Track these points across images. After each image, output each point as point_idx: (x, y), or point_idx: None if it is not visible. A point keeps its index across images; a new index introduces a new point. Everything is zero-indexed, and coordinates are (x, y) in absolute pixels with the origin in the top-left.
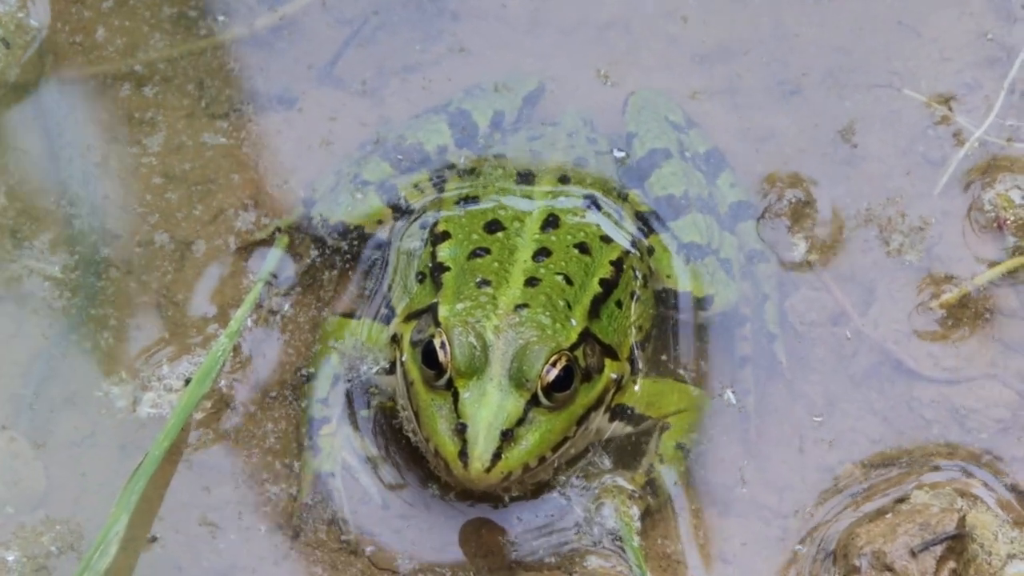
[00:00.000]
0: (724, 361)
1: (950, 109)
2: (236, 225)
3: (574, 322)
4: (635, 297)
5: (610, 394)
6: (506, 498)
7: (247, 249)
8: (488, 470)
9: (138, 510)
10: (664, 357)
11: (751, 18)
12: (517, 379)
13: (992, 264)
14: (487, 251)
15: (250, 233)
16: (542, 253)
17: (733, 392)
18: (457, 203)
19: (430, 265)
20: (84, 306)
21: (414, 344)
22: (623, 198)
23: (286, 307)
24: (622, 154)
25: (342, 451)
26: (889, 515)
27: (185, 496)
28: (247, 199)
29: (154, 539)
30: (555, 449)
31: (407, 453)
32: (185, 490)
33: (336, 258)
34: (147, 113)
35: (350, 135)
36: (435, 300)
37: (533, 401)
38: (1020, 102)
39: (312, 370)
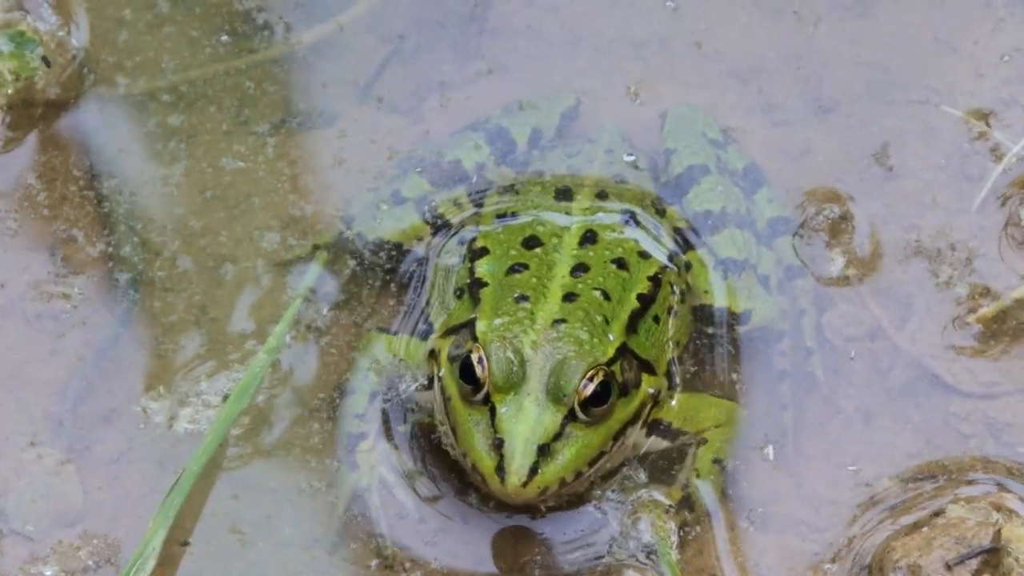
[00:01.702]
0: (761, 376)
1: (987, 125)
2: (275, 242)
3: (612, 337)
4: (672, 312)
5: (647, 409)
6: (543, 508)
7: (285, 266)
8: (525, 485)
9: (175, 527)
10: (701, 372)
11: (787, 35)
12: (554, 394)
13: None
14: (525, 267)
15: (288, 250)
16: (580, 268)
17: (773, 447)
18: (495, 219)
19: (468, 281)
20: (122, 323)
21: (452, 359)
22: (661, 214)
23: (324, 323)
24: (632, 158)
25: (379, 467)
26: (925, 529)
27: (222, 511)
28: (286, 216)
29: (185, 543)
30: (592, 464)
31: (444, 468)
32: (221, 506)
33: (374, 274)
34: (186, 131)
35: (388, 152)
36: (473, 315)
37: (570, 416)
38: None
39: (350, 385)
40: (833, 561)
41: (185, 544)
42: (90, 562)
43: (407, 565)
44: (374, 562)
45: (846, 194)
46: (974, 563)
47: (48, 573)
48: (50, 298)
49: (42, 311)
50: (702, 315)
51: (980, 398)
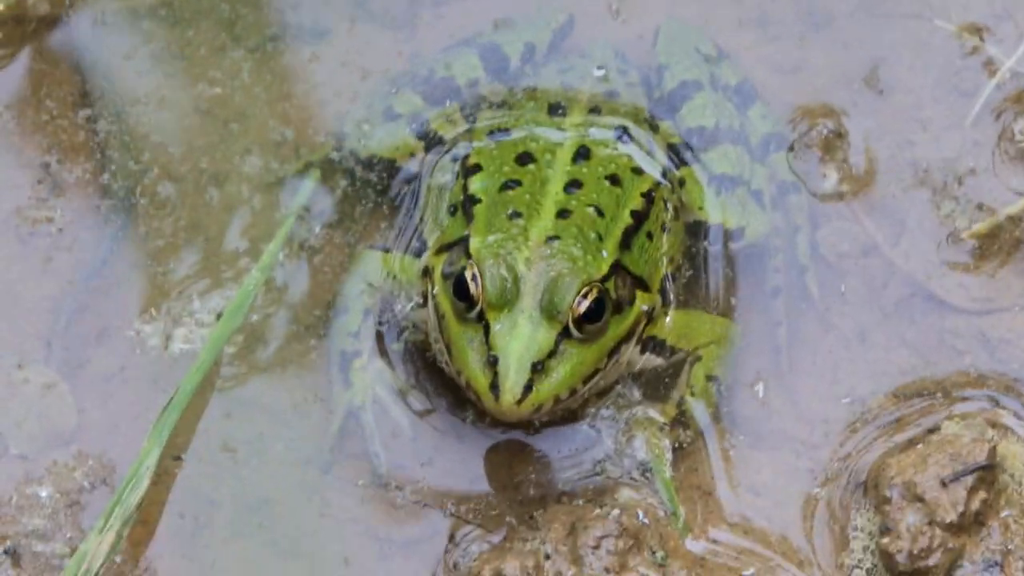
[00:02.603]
0: (755, 293)
1: (981, 39)
2: (268, 158)
3: (605, 254)
4: (666, 229)
5: (641, 326)
6: (536, 422)
7: (278, 184)
8: (519, 402)
9: (170, 445)
10: (695, 289)
11: None
12: (548, 311)
13: (1023, 194)
14: (518, 183)
15: (281, 167)
16: (573, 185)
17: (764, 385)
18: (488, 135)
19: (461, 197)
20: (113, 242)
21: (445, 277)
22: (654, 129)
23: (318, 241)
24: (602, 72)
25: (373, 385)
26: (920, 446)
27: (216, 430)
28: (279, 132)
29: (178, 458)
30: (586, 381)
31: (438, 385)
32: (216, 424)
33: (368, 191)
34: (178, 46)
35: (381, 68)
36: (466, 232)
37: (564, 333)
38: None
39: (343, 303)
40: (828, 478)
41: (178, 459)
42: (85, 483)
43: (401, 483)
44: (368, 480)
45: (839, 110)
46: (969, 480)
47: (43, 494)
48: (41, 217)
49: (32, 230)
50: (696, 231)
51: (974, 314)
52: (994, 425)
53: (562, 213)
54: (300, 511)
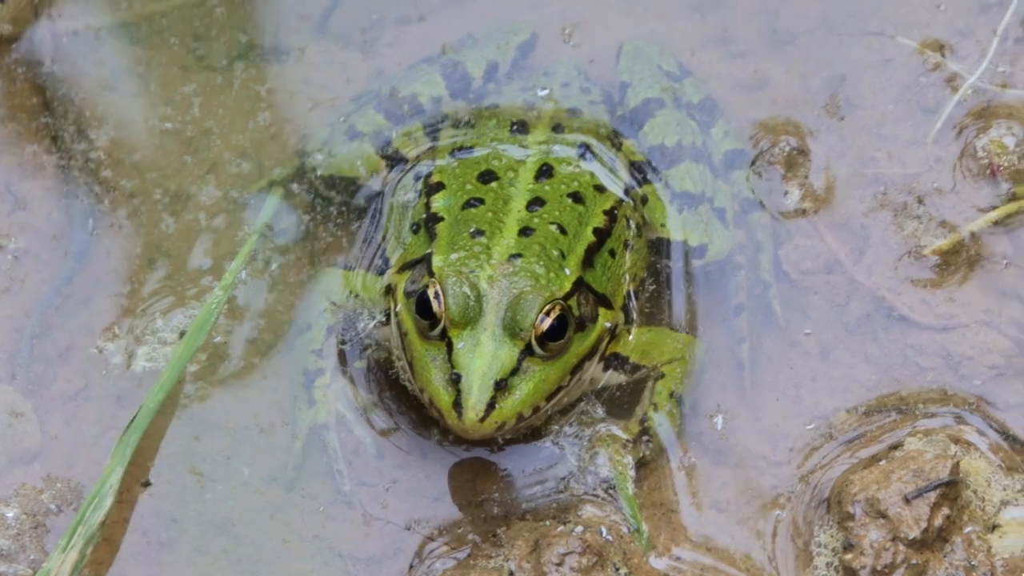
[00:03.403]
0: (718, 310)
1: (943, 56)
2: (232, 175)
3: (568, 271)
4: (628, 246)
5: (604, 343)
6: (500, 439)
7: (241, 201)
8: (482, 420)
9: (133, 463)
10: (658, 306)
11: None
12: (511, 329)
13: (985, 211)
14: (481, 201)
15: (244, 185)
16: (536, 203)
17: (723, 417)
18: (451, 153)
19: (424, 216)
20: (77, 260)
21: (408, 295)
22: (617, 147)
23: (281, 259)
24: (545, 92)
25: (337, 402)
26: (883, 462)
27: (179, 448)
28: (241, 151)
29: (147, 483)
30: (549, 398)
31: (402, 403)
32: (179, 442)
33: (331, 209)
34: (141, 65)
35: (344, 86)
36: (429, 250)
37: (527, 351)
38: (1014, 48)
39: (306, 321)
40: (791, 495)
41: (147, 485)
42: (52, 505)
43: (365, 501)
44: (332, 499)
45: (802, 127)
46: (932, 496)
47: (10, 515)
48: (7, 232)
49: None
50: (659, 249)
51: (937, 330)
52: (957, 441)
53: (524, 231)
54: (264, 530)
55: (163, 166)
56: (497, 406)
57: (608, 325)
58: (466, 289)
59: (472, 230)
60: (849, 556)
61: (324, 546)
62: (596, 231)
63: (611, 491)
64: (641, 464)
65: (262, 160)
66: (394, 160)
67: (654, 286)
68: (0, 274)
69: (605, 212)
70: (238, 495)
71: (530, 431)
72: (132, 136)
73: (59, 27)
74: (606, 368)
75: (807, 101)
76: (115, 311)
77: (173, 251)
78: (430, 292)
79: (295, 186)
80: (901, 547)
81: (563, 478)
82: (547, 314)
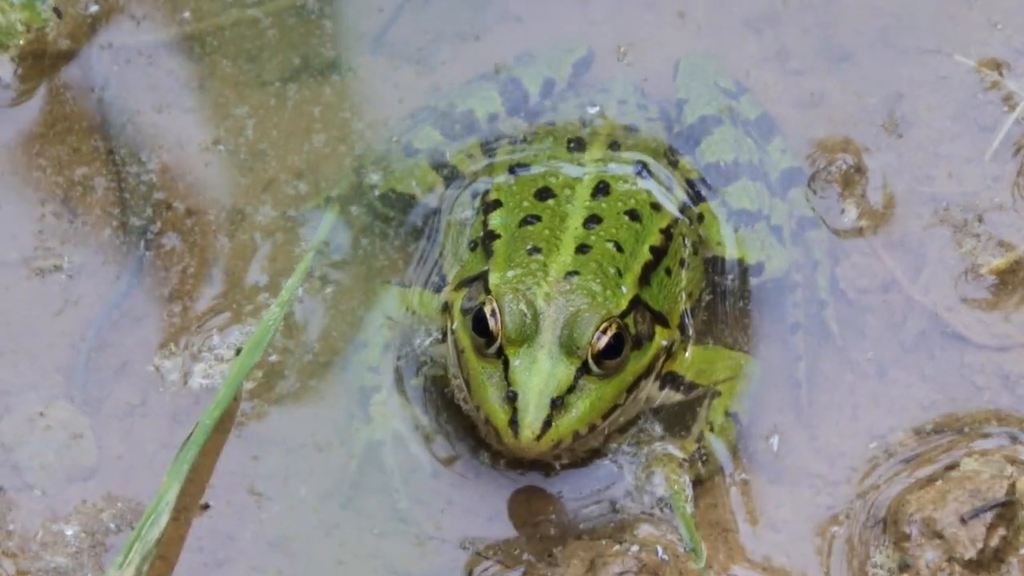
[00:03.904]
0: (775, 328)
1: (1000, 74)
2: (288, 193)
3: (624, 289)
4: (685, 264)
5: (660, 361)
6: (557, 466)
7: (298, 218)
8: (538, 438)
9: (190, 481)
10: (714, 324)
11: None
12: (568, 346)
13: None
14: (538, 218)
15: (301, 201)
16: (593, 220)
17: (780, 436)
18: (508, 171)
19: (481, 233)
20: (134, 276)
21: (465, 312)
22: (674, 164)
23: (337, 276)
24: (596, 108)
25: (393, 420)
26: (939, 482)
27: (236, 466)
28: (298, 168)
29: (206, 506)
30: (605, 417)
31: (458, 422)
32: (236, 460)
33: (387, 226)
34: (198, 81)
35: (399, 104)
36: (486, 268)
37: (583, 369)
38: None
39: (363, 338)
40: (847, 515)
41: (206, 507)
42: (111, 524)
43: (420, 519)
44: (387, 517)
45: (859, 144)
46: (988, 516)
47: (69, 532)
48: (62, 251)
49: (54, 264)
50: (715, 267)
51: (994, 350)
52: (1013, 462)
53: (581, 248)
54: (319, 548)
55: (218, 186)
56: (553, 424)
57: (664, 343)
58: (523, 307)
59: (529, 247)
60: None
61: (379, 564)
62: (652, 249)
63: (667, 510)
64: (697, 483)
65: (318, 178)
66: (451, 177)
67: (710, 304)
68: (55, 293)
69: (661, 230)
70: (295, 513)
71: (586, 453)
72: (186, 157)
73: (117, 43)
74: (662, 387)
75: (864, 119)
76: (171, 328)
77: (229, 268)
78: (487, 309)
79: (352, 203)
80: (957, 567)
81: (619, 497)
82: (604, 332)
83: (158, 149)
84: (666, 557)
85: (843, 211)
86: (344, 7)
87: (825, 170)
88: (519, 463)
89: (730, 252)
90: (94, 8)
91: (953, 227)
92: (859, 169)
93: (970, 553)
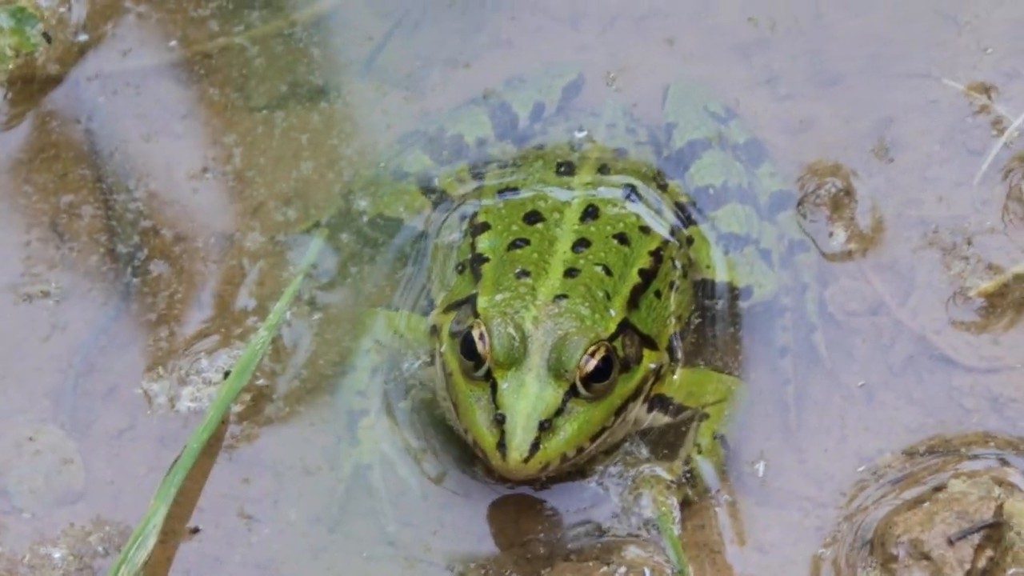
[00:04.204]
0: (763, 351)
1: (989, 98)
2: (276, 218)
3: (613, 312)
4: (674, 287)
5: (648, 384)
6: (544, 480)
7: (287, 243)
8: (526, 461)
9: (178, 504)
10: (703, 347)
11: (790, 8)
12: (556, 370)
13: None
14: (527, 242)
15: (290, 226)
16: (581, 244)
17: (767, 458)
18: (497, 194)
19: (469, 256)
20: (122, 299)
21: (453, 335)
22: (663, 188)
23: (326, 300)
24: (583, 133)
25: (381, 443)
26: (927, 504)
27: (224, 489)
28: (287, 192)
29: (196, 530)
30: (593, 439)
31: (446, 443)
32: (224, 483)
33: (375, 250)
34: (186, 107)
35: (389, 128)
36: (474, 291)
37: (571, 392)
38: None
39: (351, 362)
40: (835, 537)
41: (195, 531)
42: (100, 548)
43: (409, 541)
44: (376, 539)
45: (848, 168)
46: (976, 538)
47: (57, 555)
48: (49, 276)
49: (41, 289)
50: (704, 290)
51: (982, 372)
52: (1001, 483)
53: (570, 272)
54: (307, 570)
55: (205, 213)
56: (541, 447)
57: (653, 366)
58: (511, 330)
59: (517, 271)
60: None
61: None
62: (641, 272)
63: (655, 532)
64: (685, 505)
65: (307, 202)
66: (439, 201)
67: (699, 327)
68: (43, 319)
69: (650, 253)
70: (283, 537)
71: (574, 471)
72: (173, 185)
73: (105, 69)
74: (650, 409)
75: (853, 143)
76: (159, 352)
77: (217, 293)
78: (475, 333)
79: (340, 228)
80: None
81: (607, 519)
82: (592, 355)
83: (145, 177)
84: None
85: (832, 234)
86: (332, 34)
87: (814, 193)
88: (508, 484)
89: (719, 275)
90: (83, 37)
91: (942, 250)
92: (848, 192)
93: (958, 574)
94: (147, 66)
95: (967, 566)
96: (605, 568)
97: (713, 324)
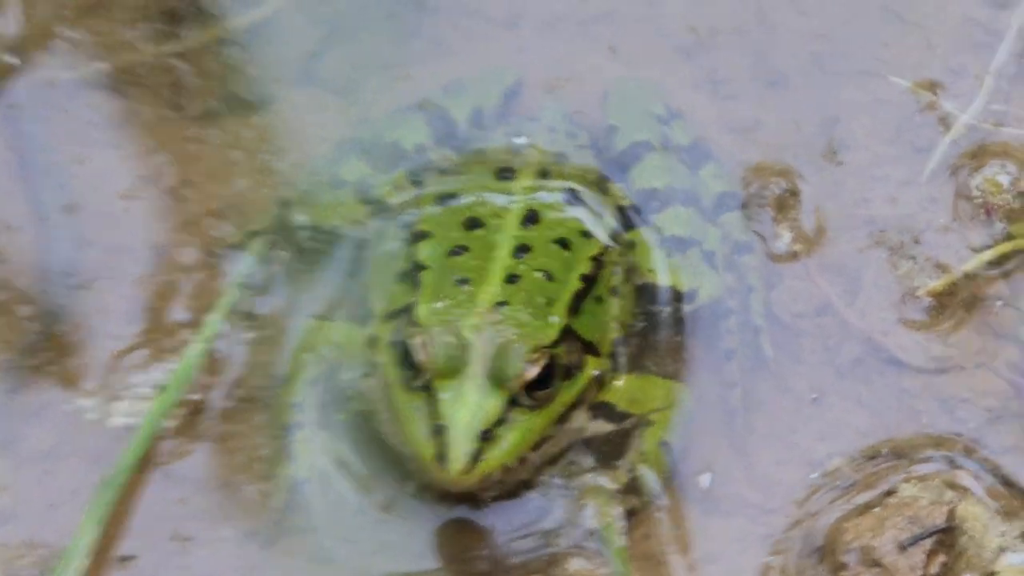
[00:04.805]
0: (709, 355)
1: (936, 95)
2: (210, 229)
3: (555, 319)
4: (616, 292)
5: (591, 391)
6: (487, 499)
7: (221, 253)
8: (467, 472)
9: (112, 524)
10: (647, 353)
11: (733, 8)
12: (497, 378)
13: (980, 251)
14: (466, 249)
15: (225, 237)
16: (522, 250)
17: (713, 466)
18: (436, 201)
19: (409, 265)
20: (52, 315)
21: (392, 345)
22: (604, 192)
23: (261, 311)
24: (522, 139)
25: (317, 457)
26: (877, 509)
27: (158, 508)
28: (222, 202)
29: (128, 557)
30: (535, 448)
31: (385, 456)
32: (158, 501)
33: (312, 260)
34: (120, 117)
35: (326, 138)
36: (413, 300)
37: (513, 400)
38: (1008, 87)
39: (287, 374)
40: (783, 544)
41: (128, 558)
42: (34, 571)
43: (347, 557)
44: (312, 555)
45: (793, 168)
46: (928, 543)
47: None
48: None
49: None
50: (647, 294)
51: (932, 373)
52: (952, 486)
53: (511, 278)
54: None
55: (142, 219)
56: (482, 457)
57: (595, 373)
58: (450, 338)
59: (457, 278)
60: None
61: None
62: (583, 277)
63: (600, 543)
64: (630, 514)
65: (243, 215)
66: (378, 210)
67: (643, 333)
68: None
69: (592, 258)
70: (217, 556)
71: (516, 482)
72: (110, 188)
73: (35, 80)
74: (594, 417)
75: (799, 143)
76: (90, 367)
77: (151, 305)
78: (415, 342)
79: (276, 239)
80: None
81: (550, 530)
82: (533, 363)
83: (78, 185)
84: None
85: (777, 235)
86: (266, 44)
87: (759, 195)
88: (448, 497)
89: (663, 279)
90: (14, 60)
91: (889, 250)
92: (793, 193)
93: None
94: (80, 76)
95: (919, 572)
96: None
97: (657, 329)
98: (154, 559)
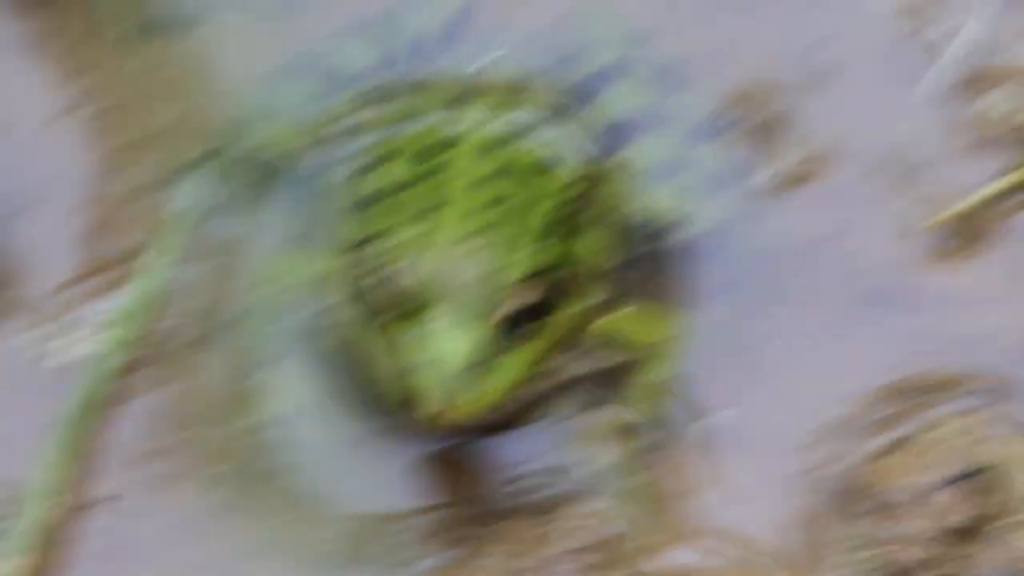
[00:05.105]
0: (704, 288)
1: (922, 22)
2: (156, 154)
3: (529, 250)
4: (598, 222)
5: (584, 324)
6: (478, 433)
7: (169, 180)
8: (452, 408)
9: (81, 463)
10: (639, 286)
11: None
12: (476, 310)
13: (992, 179)
14: (426, 177)
15: (167, 167)
16: (486, 178)
17: (727, 401)
18: (388, 128)
19: (364, 195)
20: None
21: (353, 280)
22: (574, 118)
23: (213, 243)
24: (482, 63)
25: (287, 394)
26: (903, 450)
27: (122, 447)
28: (160, 132)
29: (109, 498)
30: (527, 382)
31: (358, 395)
32: (119, 441)
33: (267, 188)
34: (55, 40)
35: (264, 62)
36: (375, 231)
37: (497, 333)
38: (1001, 11)
39: (249, 309)
40: (806, 484)
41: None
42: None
43: (324, 497)
44: (284, 497)
45: (779, 94)
46: (957, 485)
47: None
48: None
49: None
50: (631, 225)
51: (935, 309)
52: (975, 425)
53: (477, 209)
54: (219, 530)
55: (87, 144)
56: (467, 392)
57: (586, 304)
58: (422, 270)
59: (417, 209)
60: (875, 548)
61: (289, 544)
62: (556, 206)
63: (600, 484)
64: (639, 453)
65: (184, 140)
66: (323, 138)
67: (635, 264)
68: None
69: (563, 187)
70: (187, 494)
71: (508, 420)
72: (51, 113)
73: None
74: (588, 351)
75: (784, 68)
76: (35, 300)
77: (98, 235)
78: (383, 275)
79: (222, 166)
80: (927, 538)
81: (549, 471)
82: (515, 294)
83: (16, 110)
84: (612, 531)
85: (763, 165)
86: None
87: (742, 122)
88: (435, 434)
89: (645, 209)
90: None
91: (886, 181)
92: (778, 121)
93: (945, 522)
94: None
95: (956, 513)
96: (560, 522)
97: (647, 261)
98: (132, 495)
